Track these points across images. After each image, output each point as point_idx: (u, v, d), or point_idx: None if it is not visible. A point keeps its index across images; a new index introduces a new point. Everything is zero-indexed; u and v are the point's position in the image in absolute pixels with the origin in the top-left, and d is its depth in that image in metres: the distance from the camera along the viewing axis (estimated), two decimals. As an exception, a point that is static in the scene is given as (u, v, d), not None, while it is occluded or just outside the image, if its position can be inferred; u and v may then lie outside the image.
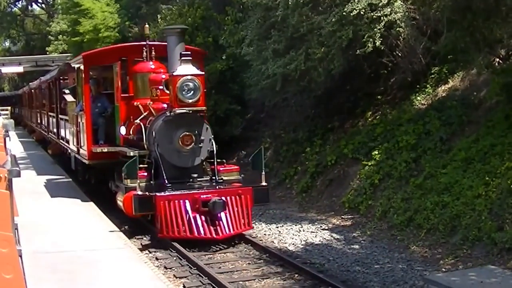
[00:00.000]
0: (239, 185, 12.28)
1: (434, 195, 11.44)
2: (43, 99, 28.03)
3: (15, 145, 26.57)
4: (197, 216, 11.25)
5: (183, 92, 11.76)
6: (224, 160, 12.92)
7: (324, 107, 17.10)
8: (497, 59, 12.17)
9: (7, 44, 72.37)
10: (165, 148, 12.10)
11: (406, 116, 14.03)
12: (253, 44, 15.60)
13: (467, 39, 11.39)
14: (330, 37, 13.21)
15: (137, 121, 13.14)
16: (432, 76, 14.54)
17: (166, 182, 11.83)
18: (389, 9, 12.76)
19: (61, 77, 21.74)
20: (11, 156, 6.79)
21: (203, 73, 12.34)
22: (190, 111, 12.04)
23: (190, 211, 11.25)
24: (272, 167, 16.90)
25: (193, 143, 12.03)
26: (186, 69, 11.92)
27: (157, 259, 10.83)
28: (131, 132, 13.52)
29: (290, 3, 13.87)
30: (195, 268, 10.10)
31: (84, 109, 14.94)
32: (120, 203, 12.25)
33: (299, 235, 12.23)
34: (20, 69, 49.10)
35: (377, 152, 13.78)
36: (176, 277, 9.81)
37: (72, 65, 16.83)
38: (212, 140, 12.34)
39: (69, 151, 18.12)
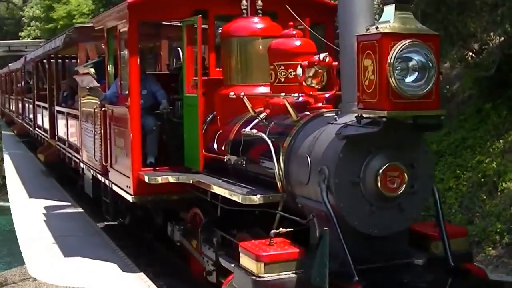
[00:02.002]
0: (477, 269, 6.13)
1: (405, 187, 11.44)
2: (28, 84, 22.93)
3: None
4: None
5: (396, 73, 5.04)
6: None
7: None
8: (470, 53, 12.21)
9: (-21, 28, 71.58)
10: (344, 194, 5.54)
11: (379, 108, 14.01)
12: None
13: (441, 33, 11.39)
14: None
15: (250, 130, 6.85)
16: (406, 68, 14.54)
17: (355, 273, 5.19)
18: (364, 1, 12.73)
19: (58, 54, 16.46)
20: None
21: (438, 34, 5.38)
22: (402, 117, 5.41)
23: None
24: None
25: (404, 185, 5.56)
26: (405, 24, 5.18)
27: None
28: (215, 146, 7.84)
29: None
30: None
31: (120, 96, 9.14)
32: None
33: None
34: (-8, 53, 48.55)
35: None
36: None
37: (97, 27, 10.33)
38: (433, 178, 6.17)
39: (82, 165, 11.84)
